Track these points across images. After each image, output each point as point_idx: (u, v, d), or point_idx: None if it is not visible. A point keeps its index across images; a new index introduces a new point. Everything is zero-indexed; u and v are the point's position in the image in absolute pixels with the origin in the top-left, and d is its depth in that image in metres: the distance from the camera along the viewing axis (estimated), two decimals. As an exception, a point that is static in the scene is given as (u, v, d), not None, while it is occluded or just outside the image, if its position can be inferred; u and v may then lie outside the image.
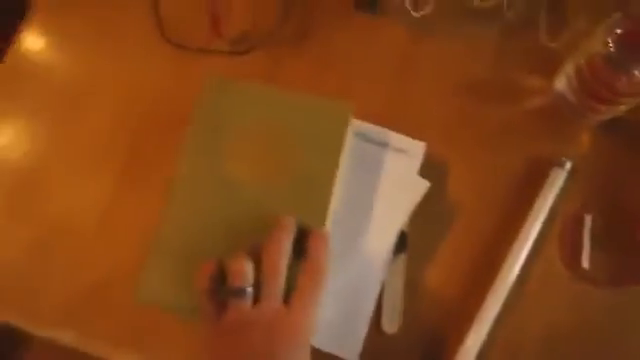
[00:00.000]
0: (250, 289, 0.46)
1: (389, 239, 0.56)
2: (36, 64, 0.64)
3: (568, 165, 0.57)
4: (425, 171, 0.58)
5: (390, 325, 0.55)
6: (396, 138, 0.58)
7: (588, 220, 0.56)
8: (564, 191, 0.57)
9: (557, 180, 0.56)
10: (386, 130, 0.59)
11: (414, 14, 0.62)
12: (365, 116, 0.59)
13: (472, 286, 0.56)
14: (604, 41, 0.50)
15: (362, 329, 0.55)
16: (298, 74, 0.62)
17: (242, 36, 0.62)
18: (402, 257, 0.56)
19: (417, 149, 0.58)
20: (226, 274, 0.47)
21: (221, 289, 0.47)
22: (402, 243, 0.56)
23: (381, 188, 0.57)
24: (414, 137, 0.59)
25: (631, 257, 0.56)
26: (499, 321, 0.54)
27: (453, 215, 0.58)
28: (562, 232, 0.56)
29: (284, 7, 0.63)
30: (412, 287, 0.56)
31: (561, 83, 0.58)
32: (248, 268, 0.47)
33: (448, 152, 0.59)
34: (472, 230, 0.57)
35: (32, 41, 0.65)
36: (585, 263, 0.55)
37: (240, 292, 0.46)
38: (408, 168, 0.57)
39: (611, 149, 0.58)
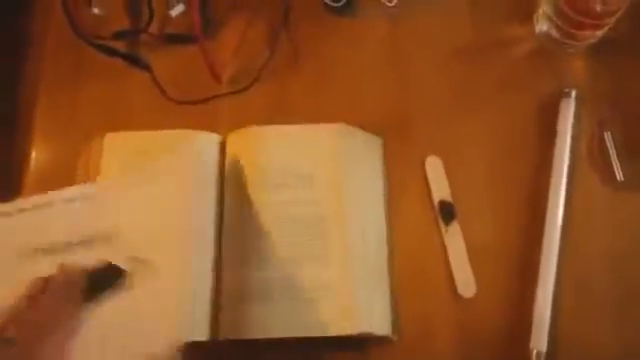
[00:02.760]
0: None
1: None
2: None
3: (573, 93, 0.61)
4: (444, 143, 0.62)
5: (466, 290, 0.58)
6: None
7: (608, 137, 0.60)
8: (578, 118, 0.61)
9: (569, 109, 0.60)
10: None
11: (388, 4, 0.66)
12: (377, 110, 0.63)
13: (526, 234, 0.58)
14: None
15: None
16: (302, 92, 0.65)
17: (240, 74, 0.65)
18: (454, 224, 0.59)
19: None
20: None
21: None
22: (450, 212, 0.59)
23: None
24: (427, 113, 0.63)
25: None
26: (563, 259, 0.56)
27: (487, 172, 0.61)
28: (589, 155, 0.60)
29: (271, 35, 0.66)
30: (474, 250, 0.58)
31: (542, 24, 0.63)
32: None
33: (461, 119, 0.63)
34: (509, 180, 0.60)
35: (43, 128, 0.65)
36: (619, 176, 0.59)
37: None
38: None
39: (605, 66, 0.63)
